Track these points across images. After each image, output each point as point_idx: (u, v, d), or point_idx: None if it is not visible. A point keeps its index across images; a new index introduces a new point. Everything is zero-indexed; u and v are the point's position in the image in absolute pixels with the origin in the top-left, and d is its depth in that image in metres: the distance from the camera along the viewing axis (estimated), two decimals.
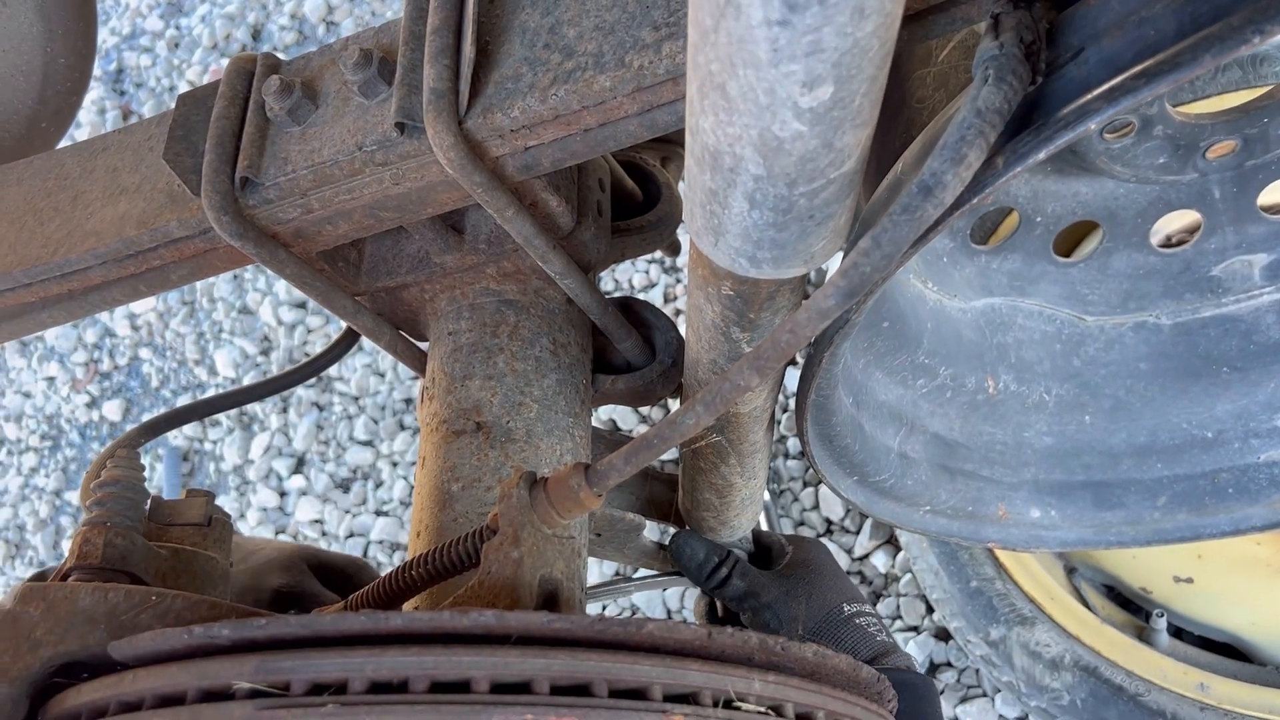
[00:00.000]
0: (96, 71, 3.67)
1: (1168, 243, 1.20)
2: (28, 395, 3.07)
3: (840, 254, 0.57)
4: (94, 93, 3.57)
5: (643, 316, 0.87)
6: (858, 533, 1.60)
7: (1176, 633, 1.24)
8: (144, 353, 2.90)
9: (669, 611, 1.70)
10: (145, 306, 2.93)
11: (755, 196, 0.49)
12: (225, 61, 3.32)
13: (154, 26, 3.59)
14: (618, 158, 0.92)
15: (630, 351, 0.87)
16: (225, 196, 0.70)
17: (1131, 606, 1.27)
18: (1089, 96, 0.47)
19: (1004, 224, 1.17)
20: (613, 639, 0.49)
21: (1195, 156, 0.91)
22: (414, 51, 0.67)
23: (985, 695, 1.40)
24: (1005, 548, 1.00)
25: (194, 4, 3.56)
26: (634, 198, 0.92)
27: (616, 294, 2.18)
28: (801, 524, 1.66)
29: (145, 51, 3.54)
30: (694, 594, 1.43)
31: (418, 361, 0.88)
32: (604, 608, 1.70)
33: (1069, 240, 1.16)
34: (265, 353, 2.61)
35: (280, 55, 3.13)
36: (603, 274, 2.10)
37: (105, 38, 3.72)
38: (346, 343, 1.01)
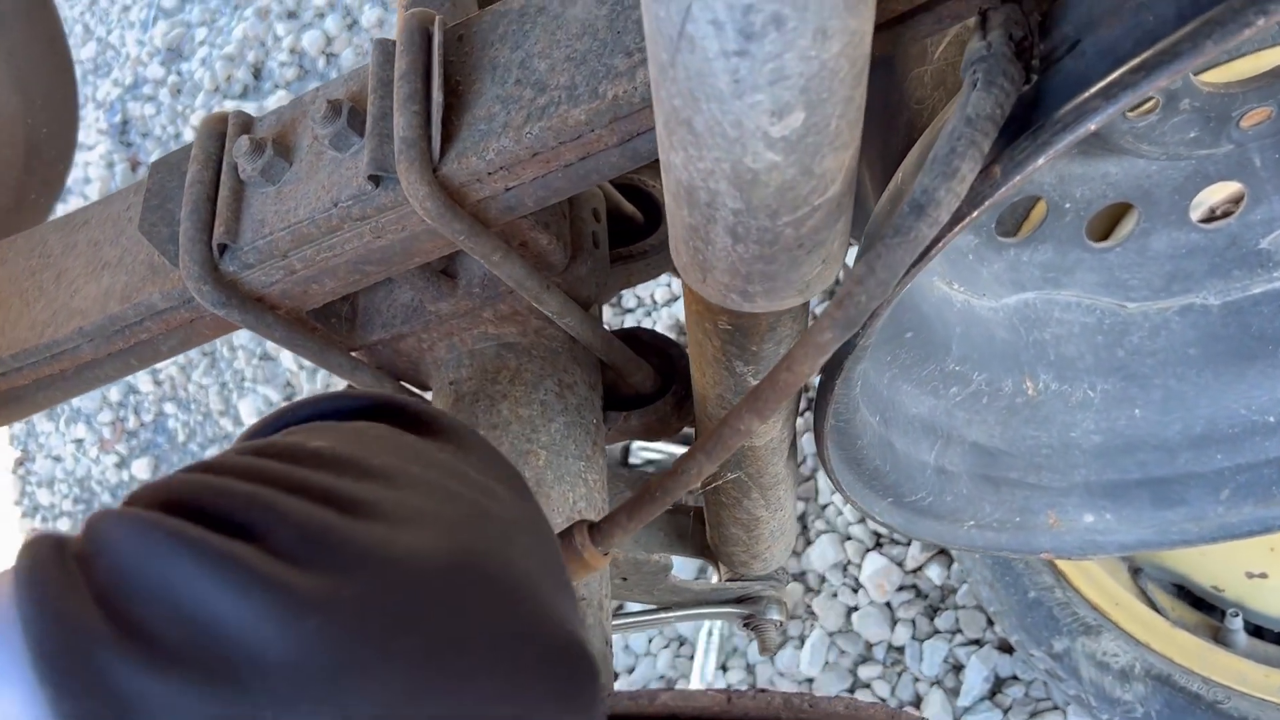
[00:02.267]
0: (102, 125, 3.74)
1: (1211, 216, 1.16)
2: (58, 459, 3.12)
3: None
4: (100, 146, 3.64)
5: (652, 346, 0.86)
6: (909, 544, 1.58)
7: (1256, 632, 1.20)
8: (169, 408, 2.94)
9: (720, 638, 1.69)
10: (167, 360, 2.97)
11: (737, 230, 0.48)
12: (228, 104, 3.37)
13: (155, 74, 3.65)
14: (614, 181, 0.91)
15: (642, 384, 0.85)
16: (203, 265, 0.70)
17: (1205, 606, 1.23)
18: (1086, 95, 0.45)
19: (1034, 212, 1.14)
20: (624, 713, 0.47)
21: (1228, 127, 0.88)
22: (383, 99, 0.66)
23: (1057, 709, 1.36)
24: (1060, 557, 0.97)
25: (193, 48, 3.62)
26: (634, 221, 0.91)
27: (636, 309, 2.17)
28: (848, 538, 1.64)
29: (149, 100, 3.60)
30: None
31: None
32: (649, 640, 1.69)
33: (1105, 224, 1.13)
34: (289, 399, 2.64)
35: (282, 93, 3.16)
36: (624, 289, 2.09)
37: (108, 90, 3.79)
38: None
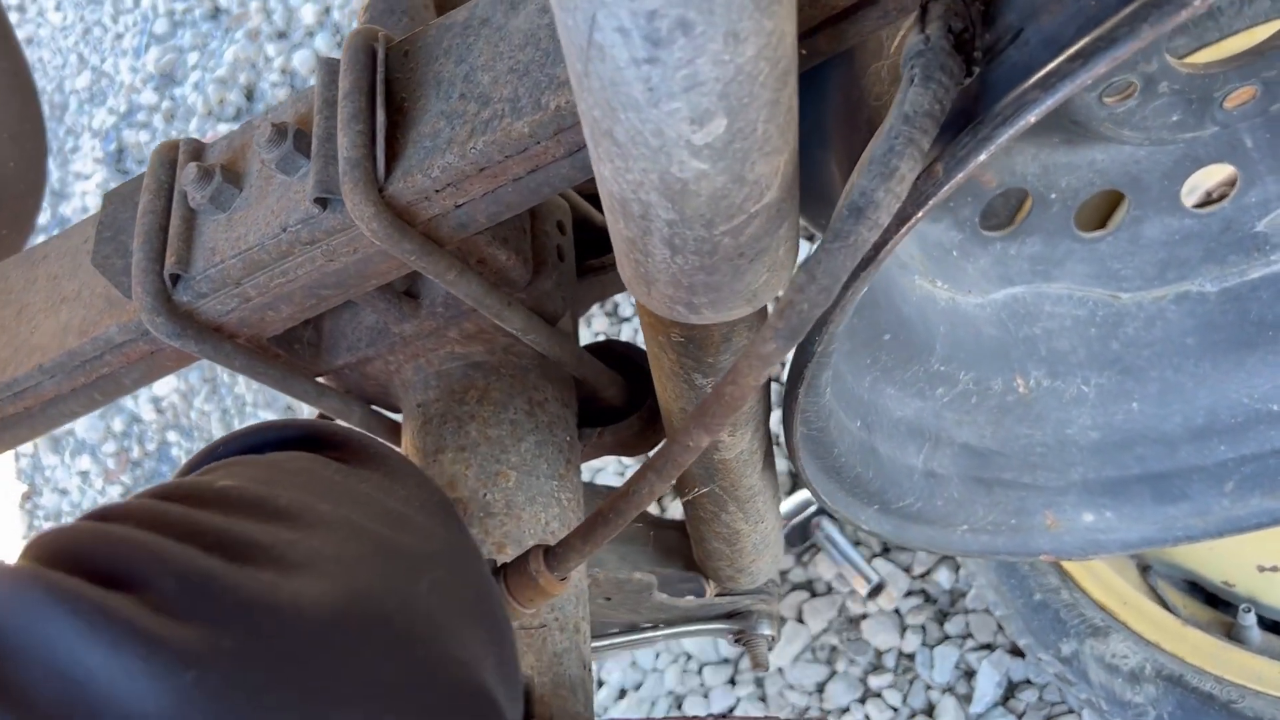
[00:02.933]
0: (98, 153, 3.77)
1: (1207, 200, 1.14)
2: (64, 492, 3.14)
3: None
4: (98, 175, 3.66)
5: (626, 358, 0.85)
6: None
7: (1272, 628, 1.17)
8: (172, 435, 2.95)
9: (725, 660, 1.67)
10: (168, 388, 2.99)
11: (674, 242, 0.47)
12: (222, 128, 3.39)
13: (149, 100, 3.67)
14: (582, 190, 0.90)
15: (617, 398, 0.84)
16: (157, 296, 0.69)
17: (1219, 603, 1.21)
18: (1023, 87, 0.44)
19: (1025, 204, 1.12)
20: None
21: (1212, 109, 0.86)
22: (328, 120, 0.66)
23: (1072, 713, 1.34)
24: (1060, 558, 0.96)
25: (185, 72, 3.64)
26: (605, 231, 0.90)
27: (633, 318, 2.15)
28: (858, 543, 1.62)
29: (143, 127, 3.62)
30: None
31: (396, 437, 0.86)
32: (656, 655, 1.67)
33: (1101, 212, 1.11)
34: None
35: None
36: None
37: (103, 118, 3.82)
38: None
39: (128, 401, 3.11)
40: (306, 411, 2.63)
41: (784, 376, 0.74)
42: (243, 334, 0.74)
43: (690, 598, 0.92)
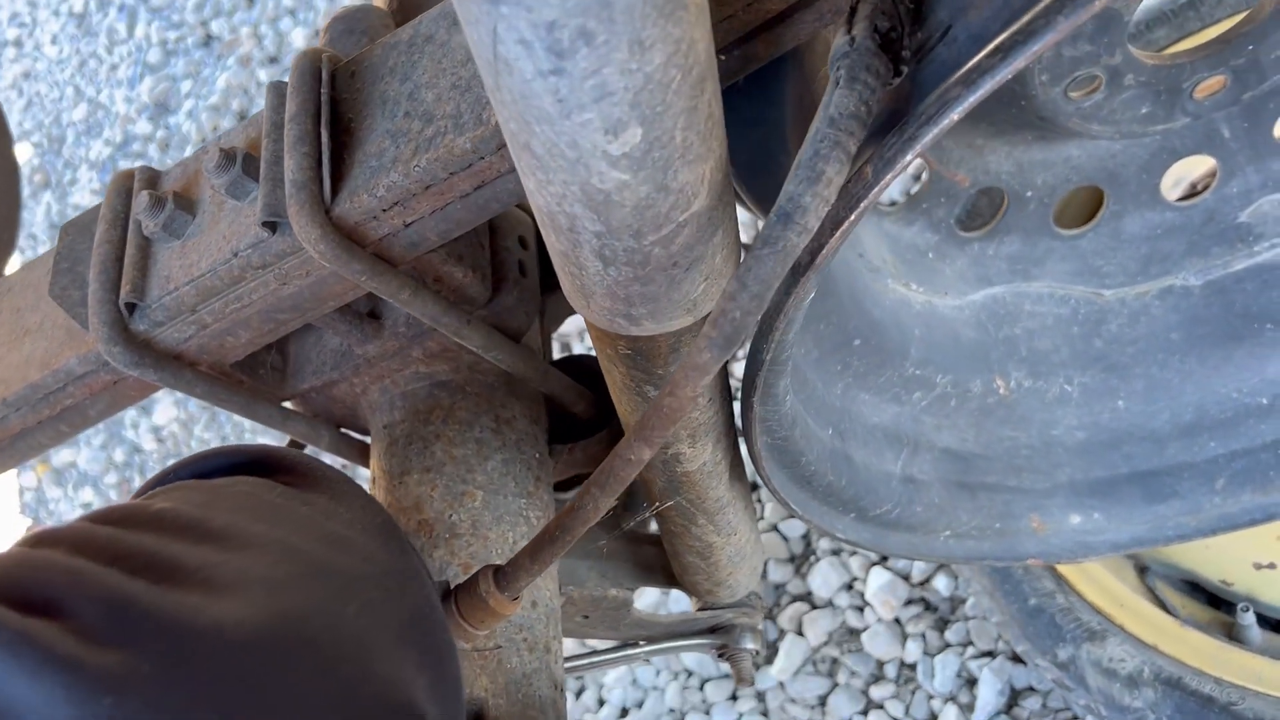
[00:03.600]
0: (95, 185, 3.80)
1: (1193, 191, 1.14)
2: None
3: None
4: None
5: (594, 372, 0.85)
6: None
7: (1275, 626, 1.16)
8: (233, 444, 2.96)
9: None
10: (168, 417, 3.00)
11: (605, 254, 0.47)
12: None
13: (144, 130, 3.70)
14: None
15: (587, 413, 0.84)
16: (113, 326, 0.70)
17: (1219, 602, 1.19)
18: (945, 85, 0.43)
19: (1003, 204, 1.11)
20: None
21: (1181, 99, 0.86)
22: (275, 143, 0.66)
23: (1076, 719, 1.32)
24: (1048, 561, 0.95)
25: (179, 101, 3.67)
26: None
27: None
28: (855, 553, 1.61)
29: (139, 157, 3.66)
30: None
31: (366, 459, 0.86)
32: (657, 673, 1.67)
33: (1085, 209, 1.10)
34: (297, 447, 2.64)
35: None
36: None
37: (100, 150, 3.86)
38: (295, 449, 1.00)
39: (128, 432, 3.13)
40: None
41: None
42: (203, 361, 0.75)
43: (671, 612, 0.91)
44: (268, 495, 0.45)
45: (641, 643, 0.93)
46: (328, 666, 0.35)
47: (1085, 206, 1.07)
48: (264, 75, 3.36)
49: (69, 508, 3.20)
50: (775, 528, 1.73)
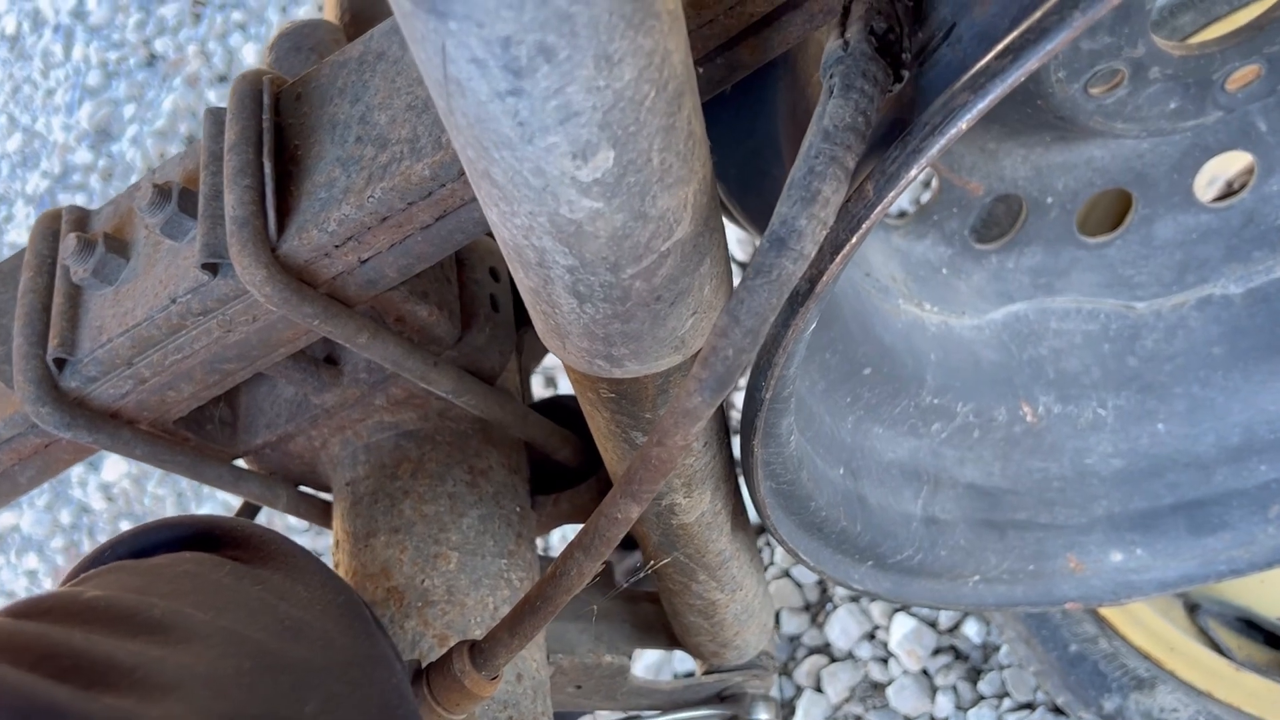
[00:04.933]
0: (32, 221, 3.79)
1: (1229, 191, 1.13)
2: (10, 595, 3.12)
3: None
4: None
5: (578, 415, 0.83)
6: None
7: None
8: (125, 524, 2.94)
9: None
10: (118, 473, 2.98)
11: (579, 290, 0.46)
12: None
13: (84, 159, 3.70)
14: None
15: (572, 460, 0.83)
16: (40, 385, 0.68)
17: (1279, 641, 1.18)
18: (950, 91, 0.42)
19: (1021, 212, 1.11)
20: None
21: (1213, 92, 0.85)
22: (215, 175, 0.65)
23: None
24: (1089, 604, 0.93)
25: (122, 127, 3.67)
26: None
27: None
28: (875, 598, 1.59)
29: (79, 189, 3.65)
30: None
31: (329, 519, 0.85)
32: None
33: (1113, 216, 1.10)
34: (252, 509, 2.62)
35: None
36: None
37: (37, 182, 3.85)
38: (251, 511, 0.99)
39: (75, 490, 3.10)
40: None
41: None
42: (143, 418, 0.73)
43: (672, 678, 0.90)
44: (214, 575, 0.43)
45: (645, 714, 0.91)
46: None
47: (1111, 211, 1.06)
48: (214, 96, 3.37)
49: (11, 575, 3.16)
50: (787, 573, 1.71)
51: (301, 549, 0.48)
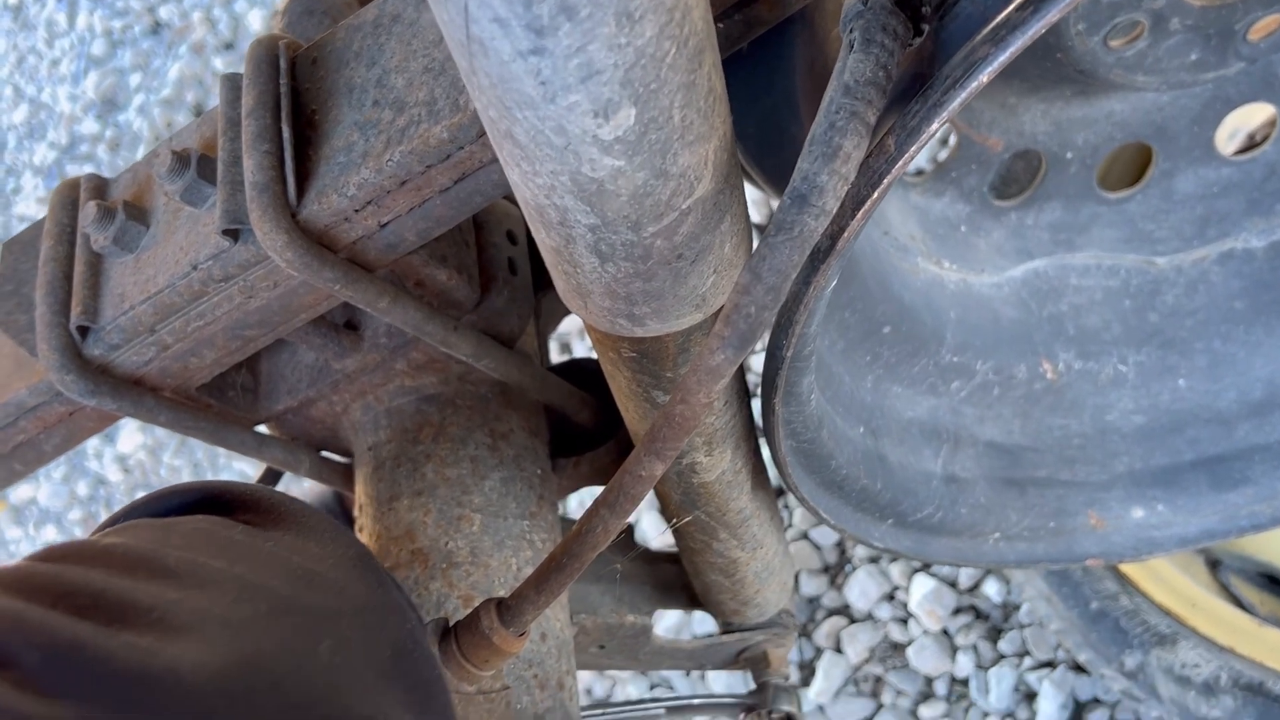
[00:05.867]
0: (41, 192, 3.81)
1: (1251, 144, 1.13)
2: None
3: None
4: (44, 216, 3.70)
5: (597, 376, 0.84)
6: None
7: None
8: (141, 495, 2.97)
9: None
10: (134, 445, 3.00)
11: (600, 249, 0.46)
12: None
13: (91, 130, 3.71)
14: None
15: (591, 422, 0.84)
16: (64, 353, 0.69)
17: None
18: (971, 44, 0.43)
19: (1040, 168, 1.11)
20: None
21: (1234, 43, 0.85)
22: (233, 141, 0.66)
23: None
24: (1110, 561, 0.94)
25: (128, 96, 3.67)
26: None
27: None
28: (895, 560, 1.61)
29: (87, 160, 3.66)
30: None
31: (350, 483, 0.86)
32: None
33: (1132, 171, 1.09)
34: (274, 474, 2.64)
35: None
36: None
37: (45, 154, 3.86)
38: (273, 477, 1.00)
39: (92, 463, 3.13)
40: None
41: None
42: (166, 385, 0.74)
43: (694, 637, 0.91)
44: (226, 532, 0.45)
45: (659, 706, 0.93)
46: (299, 711, 0.35)
47: (1132, 166, 1.06)
48: (220, 64, 3.37)
49: (30, 548, 3.21)
50: (806, 535, 1.72)
51: (312, 509, 0.49)
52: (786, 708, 0.90)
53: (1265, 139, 0.97)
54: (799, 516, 1.74)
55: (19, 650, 0.33)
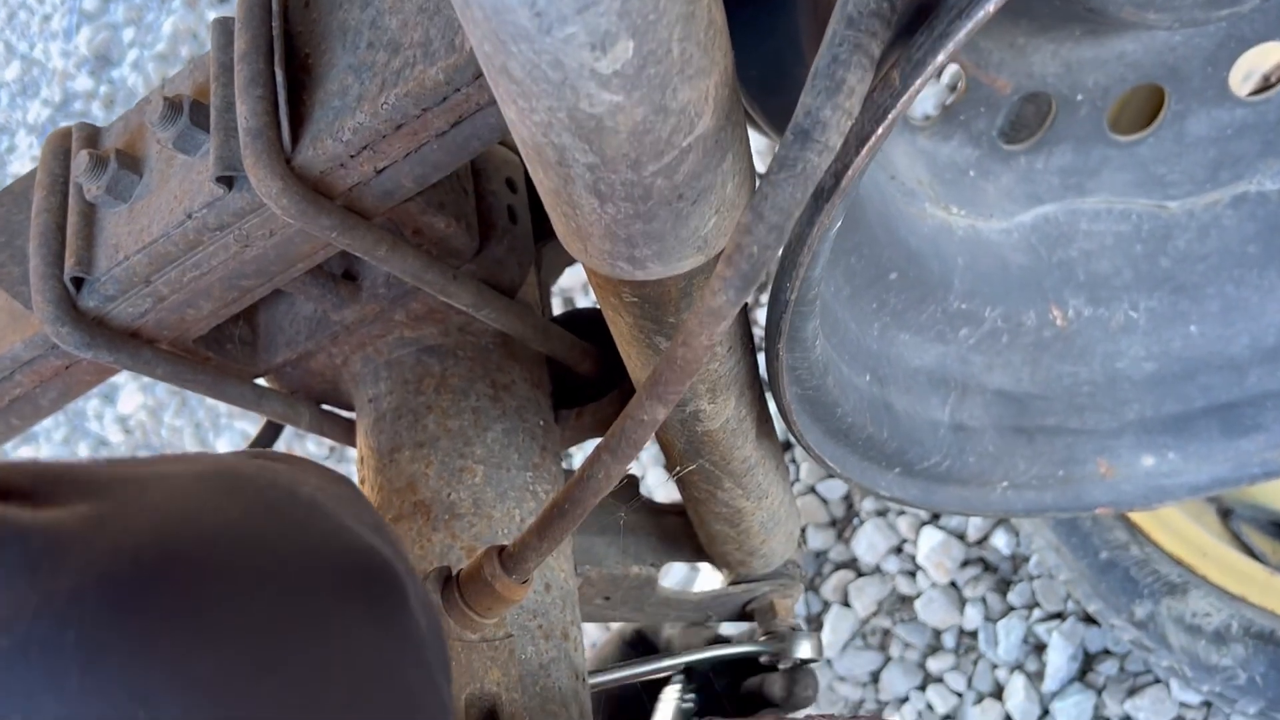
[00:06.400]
0: (35, 151, 3.79)
1: (1266, 85, 1.12)
2: None
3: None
4: None
5: (599, 326, 0.84)
6: None
7: None
8: (142, 456, 2.99)
9: None
10: (134, 405, 3.02)
11: (599, 189, 0.46)
12: None
13: (85, 86, 3.69)
14: None
15: (594, 373, 0.84)
16: (59, 304, 0.69)
17: None
18: None
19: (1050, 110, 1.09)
20: None
21: None
22: (226, 87, 0.65)
23: (1159, 682, 1.33)
24: (1120, 509, 0.94)
25: (122, 52, 3.65)
26: None
27: None
28: (903, 512, 1.61)
29: (81, 117, 3.64)
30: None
31: (351, 436, 0.86)
32: None
33: (1145, 113, 1.08)
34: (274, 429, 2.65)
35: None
36: None
37: (38, 111, 3.85)
38: (273, 431, 1.00)
39: (92, 424, 3.15)
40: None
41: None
42: (163, 337, 0.74)
43: (700, 588, 0.91)
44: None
45: (677, 650, 0.93)
46: (295, 523, 0.35)
47: (1144, 108, 1.05)
48: (214, 16, 3.33)
49: None
50: (813, 489, 1.73)
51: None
52: (808, 651, 0.91)
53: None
54: (806, 470, 1.74)
55: (7, 478, 0.33)
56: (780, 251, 0.46)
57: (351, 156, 0.63)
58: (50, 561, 0.30)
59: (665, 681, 0.99)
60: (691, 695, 1.00)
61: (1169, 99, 0.95)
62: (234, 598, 0.32)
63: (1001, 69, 0.94)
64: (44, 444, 3.24)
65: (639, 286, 0.55)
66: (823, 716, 0.51)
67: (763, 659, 0.95)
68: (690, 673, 1.00)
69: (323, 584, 0.35)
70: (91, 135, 0.74)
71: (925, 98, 1.77)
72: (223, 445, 2.75)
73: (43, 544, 0.30)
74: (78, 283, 0.70)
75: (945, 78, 1.74)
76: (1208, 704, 1.30)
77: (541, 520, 0.53)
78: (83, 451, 3.11)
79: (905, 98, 0.45)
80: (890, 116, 0.46)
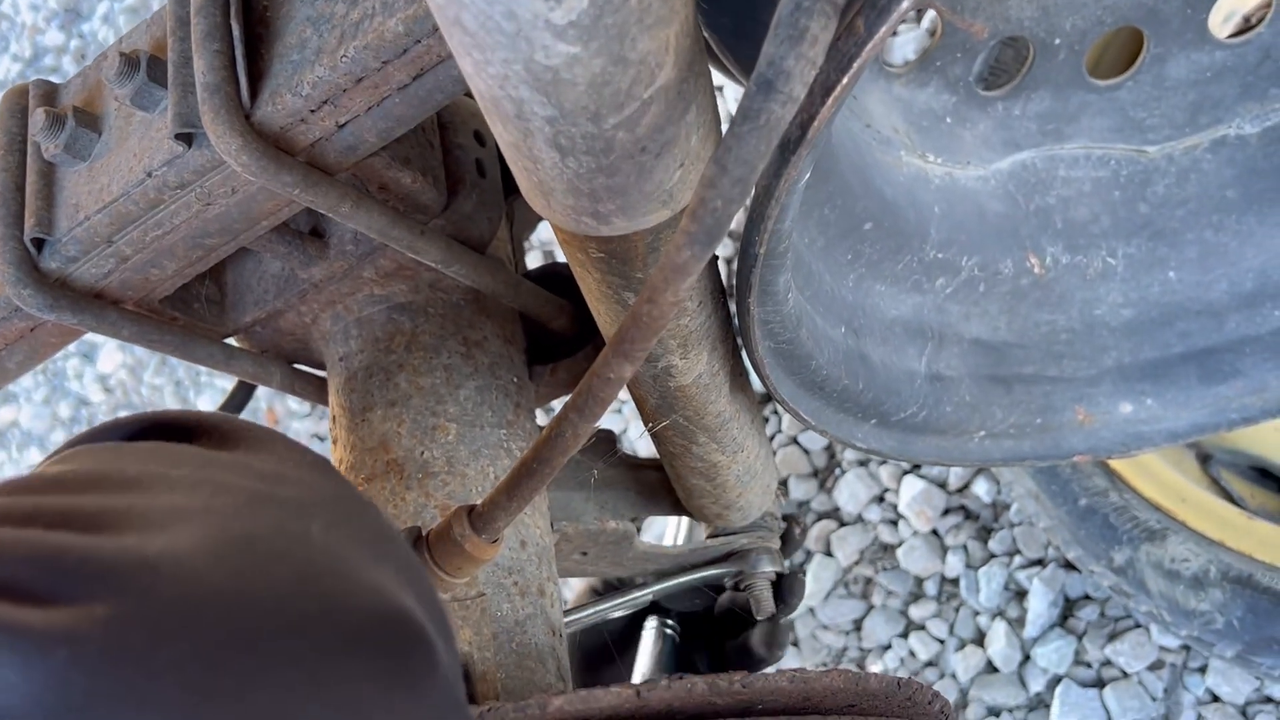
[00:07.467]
0: None
1: (1246, 26, 1.11)
2: None
3: None
4: None
5: (573, 281, 0.83)
6: None
7: None
8: (123, 415, 2.97)
9: None
10: (114, 364, 3.00)
11: (560, 142, 0.45)
12: None
13: (55, 41, 3.63)
14: None
15: (568, 328, 0.83)
16: (21, 266, 0.68)
17: None
18: None
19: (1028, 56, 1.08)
20: None
21: None
22: (182, 41, 0.64)
23: (1139, 627, 1.34)
24: (1098, 457, 0.95)
25: (92, 5, 3.59)
26: None
27: None
28: (884, 462, 1.62)
29: (52, 72, 3.59)
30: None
31: (323, 395, 0.86)
32: None
33: (1125, 58, 1.07)
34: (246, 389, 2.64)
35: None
36: None
37: (8, 67, 3.78)
38: (246, 391, 0.99)
39: (72, 384, 3.13)
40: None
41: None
42: (128, 298, 0.74)
43: (678, 542, 0.92)
44: (176, 448, 0.44)
45: (647, 581, 0.93)
46: (305, 580, 0.34)
47: (1123, 52, 1.04)
48: None
49: (14, 470, 3.22)
50: (795, 440, 1.73)
51: (260, 426, 0.48)
52: (769, 568, 0.91)
53: (1260, 21, 0.95)
54: (787, 422, 1.74)
55: (4, 568, 0.32)
56: (745, 205, 0.45)
57: (312, 111, 0.62)
58: (45, 660, 0.30)
59: (636, 629, 1.00)
60: (672, 623, 1.02)
61: (1148, 42, 0.94)
62: (269, 702, 0.32)
63: (977, 13, 0.93)
64: (25, 404, 3.22)
65: (605, 242, 0.54)
66: (794, 670, 0.51)
67: (726, 581, 0.95)
68: (668, 612, 1.02)
69: (356, 669, 0.34)
70: (49, 92, 0.73)
71: (905, 43, 1.75)
72: (203, 403, 2.75)
73: (28, 646, 0.30)
74: (39, 244, 0.69)
75: (925, 23, 1.73)
76: (1186, 648, 1.32)
77: (511, 479, 0.52)
78: (64, 411, 3.10)
79: (870, 45, 0.44)
80: (855, 65, 0.45)
